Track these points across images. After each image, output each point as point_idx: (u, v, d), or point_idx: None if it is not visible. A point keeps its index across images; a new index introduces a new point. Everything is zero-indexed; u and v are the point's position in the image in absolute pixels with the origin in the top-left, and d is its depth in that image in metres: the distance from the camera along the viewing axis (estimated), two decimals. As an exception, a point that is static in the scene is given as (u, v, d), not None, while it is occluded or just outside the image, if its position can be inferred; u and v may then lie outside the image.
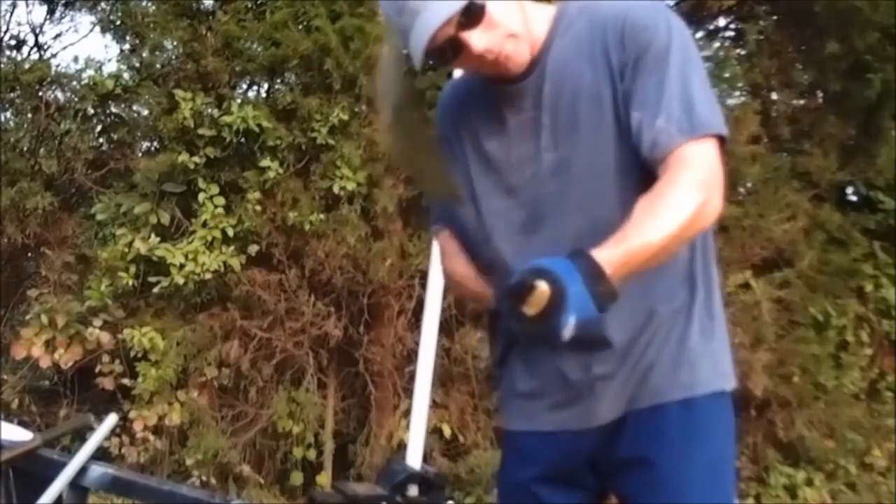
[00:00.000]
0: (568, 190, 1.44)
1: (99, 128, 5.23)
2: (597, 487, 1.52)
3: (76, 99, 4.96)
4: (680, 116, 1.36)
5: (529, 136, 1.47)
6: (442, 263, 1.67)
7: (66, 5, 5.56)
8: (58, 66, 5.13)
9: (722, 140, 1.38)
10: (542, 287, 1.18)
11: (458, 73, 1.66)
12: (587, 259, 1.24)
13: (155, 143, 5.11)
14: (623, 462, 1.46)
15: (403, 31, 1.42)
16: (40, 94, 4.98)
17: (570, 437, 1.49)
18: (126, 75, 4.95)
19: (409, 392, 3.70)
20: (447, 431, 4.91)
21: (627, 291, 1.31)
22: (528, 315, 1.19)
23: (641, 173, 1.38)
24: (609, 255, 1.25)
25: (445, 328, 4.72)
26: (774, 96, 5.73)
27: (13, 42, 5.51)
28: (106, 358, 4.74)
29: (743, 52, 5.65)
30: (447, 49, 1.41)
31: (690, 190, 1.32)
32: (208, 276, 4.59)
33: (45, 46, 5.65)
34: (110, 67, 5.03)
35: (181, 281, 4.56)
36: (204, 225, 4.65)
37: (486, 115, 1.52)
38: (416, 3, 1.36)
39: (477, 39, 1.38)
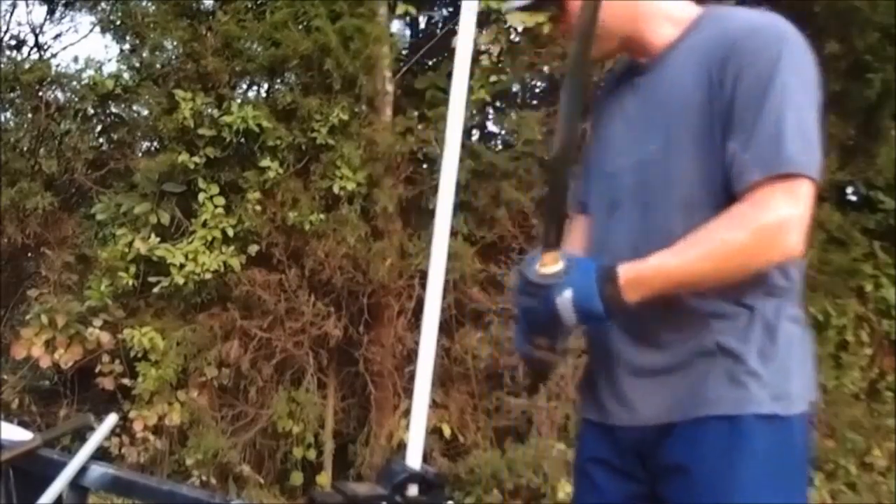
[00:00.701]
0: (639, 189, 1.49)
1: (99, 128, 5.23)
2: (650, 483, 1.54)
3: (76, 99, 4.96)
4: (765, 154, 1.35)
5: (633, 127, 1.54)
6: None
7: (66, 5, 5.57)
8: (58, 66, 5.14)
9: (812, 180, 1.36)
10: (561, 262, 1.37)
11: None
12: (608, 266, 1.37)
13: (155, 143, 5.11)
14: (666, 468, 1.48)
15: None
16: (40, 94, 4.98)
17: (616, 430, 1.54)
18: (126, 75, 4.95)
19: (409, 392, 3.70)
20: (447, 431, 4.91)
21: (685, 299, 1.41)
22: (538, 271, 1.37)
23: (716, 195, 1.40)
24: (628, 269, 1.36)
25: (445, 328, 4.72)
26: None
27: (13, 42, 5.52)
28: (106, 358, 4.74)
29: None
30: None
31: (743, 231, 1.33)
32: (208, 276, 4.59)
33: (45, 46, 5.67)
34: (110, 67, 5.04)
35: (181, 281, 4.56)
36: (204, 225, 4.65)
37: (616, 101, 1.61)
38: None
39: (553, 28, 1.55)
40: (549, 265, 1.38)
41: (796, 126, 1.36)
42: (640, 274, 1.36)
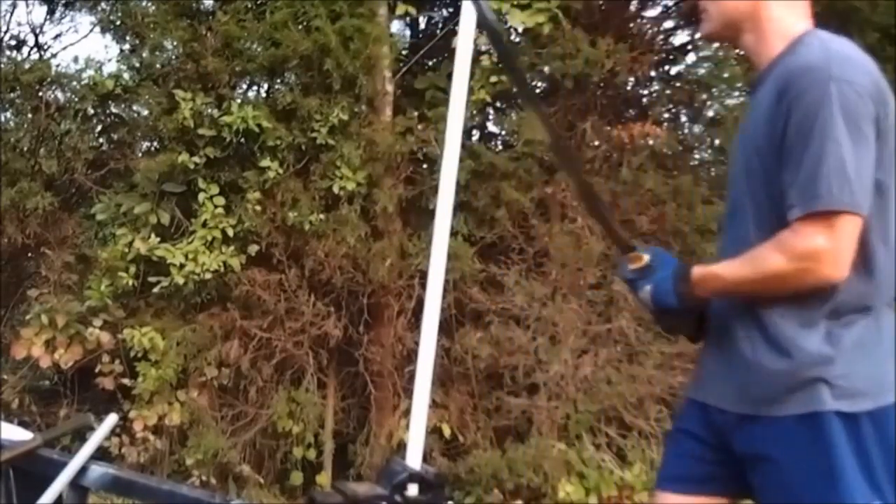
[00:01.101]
0: (733, 201, 1.73)
1: (99, 128, 5.23)
2: (738, 468, 1.69)
3: (76, 99, 4.96)
4: (805, 192, 1.52)
5: (740, 143, 1.74)
6: None
7: (66, 5, 5.56)
8: (58, 66, 5.13)
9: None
10: (645, 258, 1.71)
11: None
12: (684, 264, 1.68)
13: (155, 143, 5.10)
14: (752, 457, 1.65)
15: None
16: (40, 94, 4.97)
17: (709, 409, 1.73)
18: (126, 75, 4.94)
19: (408, 392, 3.70)
20: (447, 431, 4.91)
21: (751, 305, 1.63)
22: (629, 268, 1.72)
23: (781, 216, 1.56)
24: (698, 270, 1.66)
25: (445, 328, 4.72)
26: (774, 96, 5.72)
27: (13, 42, 5.51)
28: (106, 358, 4.74)
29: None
30: None
31: (783, 257, 1.55)
32: (208, 276, 4.59)
33: (45, 46, 5.66)
34: (110, 67, 5.03)
35: (181, 281, 4.56)
36: (204, 225, 4.65)
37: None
38: None
39: None
40: (635, 263, 1.71)
41: (835, 165, 1.50)
42: (707, 274, 1.65)
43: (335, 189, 4.69)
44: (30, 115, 5.01)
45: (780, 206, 1.56)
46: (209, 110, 4.69)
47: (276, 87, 5.01)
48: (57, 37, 5.71)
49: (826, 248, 1.51)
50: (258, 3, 4.92)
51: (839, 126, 1.49)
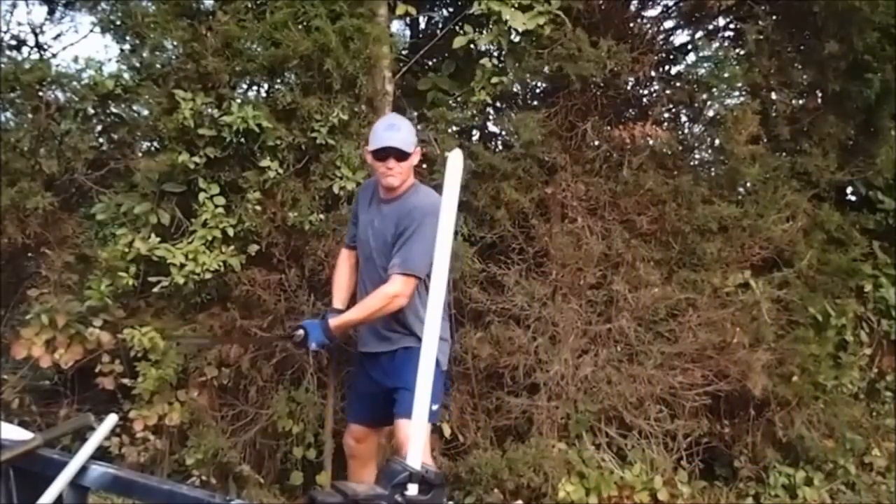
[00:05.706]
0: (370, 257, 3.75)
1: (99, 128, 5.21)
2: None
3: (76, 99, 4.94)
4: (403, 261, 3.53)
5: (374, 224, 3.72)
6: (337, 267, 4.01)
7: (66, 5, 5.55)
8: (58, 66, 5.11)
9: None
10: (300, 332, 3.74)
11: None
12: (325, 321, 3.70)
13: (155, 143, 5.09)
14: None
15: (380, 128, 3.70)
16: (40, 94, 4.96)
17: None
18: (126, 75, 4.92)
19: (408, 392, 3.71)
20: (447, 431, 4.92)
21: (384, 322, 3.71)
22: (297, 341, 3.77)
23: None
24: (333, 321, 3.67)
25: (445, 328, 4.71)
26: (774, 96, 5.73)
27: (13, 42, 5.50)
28: (106, 358, 4.73)
29: (742, 52, 5.65)
30: (387, 155, 3.60)
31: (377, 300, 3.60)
32: (208, 275, 4.59)
33: (45, 46, 5.64)
34: (110, 67, 5.00)
35: (181, 281, 4.56)
36: (204, 225, 4.65)
37: (371, 209, 3.80)
38: (397, 125, 3.68)
39: (393, 163, 3.59)
40: (297, 337, 3.74)
41: (422, 249, 3.37)
42: (340, 322, 3.68)
43: (335, 189, 4.69)
44: (30, 115, 4.99)
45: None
46: (209, 110, 4.68)
47: (276, 87, 5.00)
48: (57, 37, 5.68)
49: (399, 293, 3.51)
50: (258, 3, 4.92)
51: (429, 233, 3.10)
